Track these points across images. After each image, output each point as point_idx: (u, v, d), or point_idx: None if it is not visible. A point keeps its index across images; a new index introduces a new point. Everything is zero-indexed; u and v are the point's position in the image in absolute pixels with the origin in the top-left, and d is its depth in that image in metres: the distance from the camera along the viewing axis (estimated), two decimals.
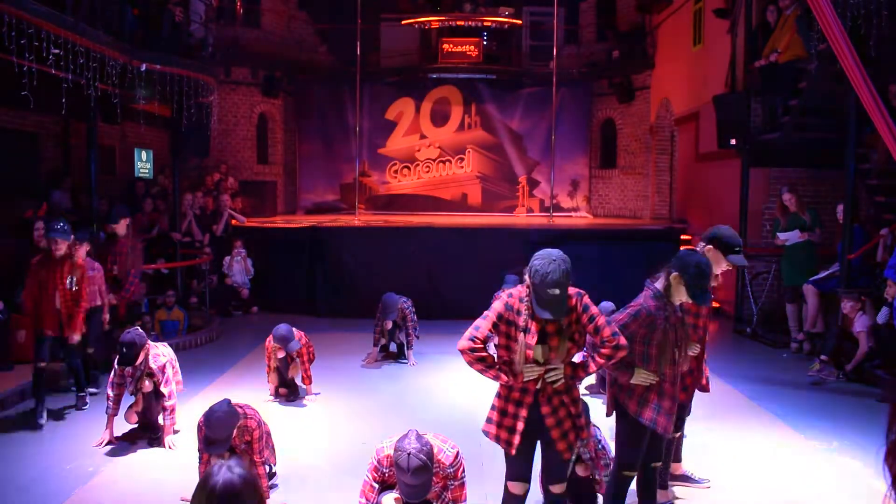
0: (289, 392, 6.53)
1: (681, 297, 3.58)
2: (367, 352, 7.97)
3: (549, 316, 3.15)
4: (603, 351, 3.26)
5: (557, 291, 3.14)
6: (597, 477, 4.05)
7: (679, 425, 4.37)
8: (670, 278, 3.58)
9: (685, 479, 4.64)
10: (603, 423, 4.27)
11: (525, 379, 3.25)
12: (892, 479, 1.56)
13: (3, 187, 9.04)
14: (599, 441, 4.06)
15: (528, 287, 3.28)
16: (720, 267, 4.12)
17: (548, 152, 14.57)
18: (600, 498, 4.10)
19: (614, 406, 3.72)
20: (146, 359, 5.26)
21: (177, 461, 5.03)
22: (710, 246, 4.09)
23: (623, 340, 3.28)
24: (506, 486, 3.44)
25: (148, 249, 9.81)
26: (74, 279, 5.88)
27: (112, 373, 5.35)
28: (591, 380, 6.59)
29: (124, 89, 8.21)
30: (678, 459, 4.65)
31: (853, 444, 5.34)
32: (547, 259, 3.20)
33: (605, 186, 15.88)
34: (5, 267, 7.70)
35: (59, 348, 6.19)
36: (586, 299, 3.31)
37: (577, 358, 3.37)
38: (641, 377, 3.54)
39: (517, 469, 3.39)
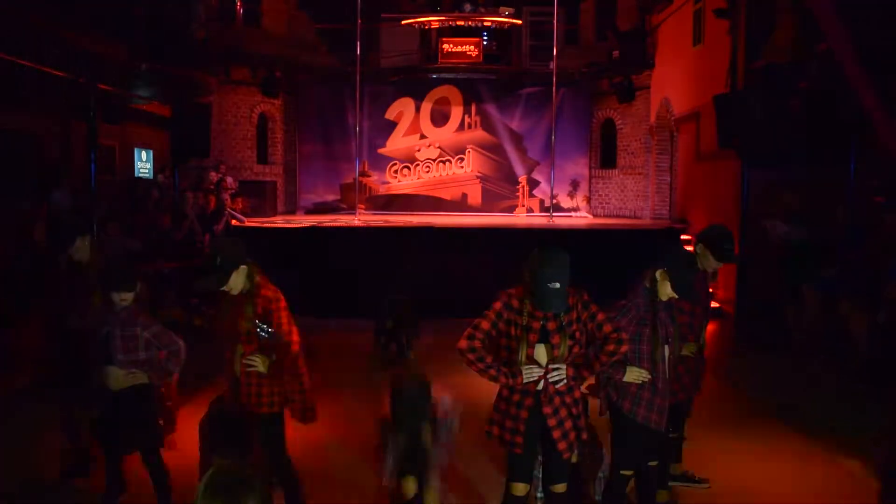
0: None
1: (668, 292, 3.60)
2: (367, 352, 7.95)
3: (551, 309, 3.15)
4: (606, 348, 3.27)
5: (558, 285, 3.15)
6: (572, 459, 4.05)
7: (678, 425, 4.37)
8: (656, 274, 3.61)
9: (685, 479, 4.64)
10: (600, 422, 4.27)
11: (525, 380, 3.25)
12: (885, 480, 1.56)
13: (3, 187, 9.05)
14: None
15: (527, 284, 3.28)
16: (711, 265, 4.16)
17: (548, 152, 14.57)
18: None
19: (608, 405, 3.73)
20: None
21: (177, 461, 5.02)
22: (701, 244, 4.15)
23: (625, 335, 3.30)
24: (507, 487, 3.44)
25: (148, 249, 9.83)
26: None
27: None
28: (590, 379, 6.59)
29: (124, 89, 8.22)
30: (678, 460, 4.65)
31: (853, 445, 5.33)
32: (546, 254, 3.22)
33: (605, 186, 15.88)
34: (5, 267, 7.70)
35: None
36: (586, 297, 3.33)
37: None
38: (634, 375, 3.55)
39: (519, 470, 3.39)
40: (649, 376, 3.56)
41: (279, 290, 3.85)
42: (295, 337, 3.69)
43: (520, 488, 3.40)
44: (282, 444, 3.84)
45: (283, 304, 3.76)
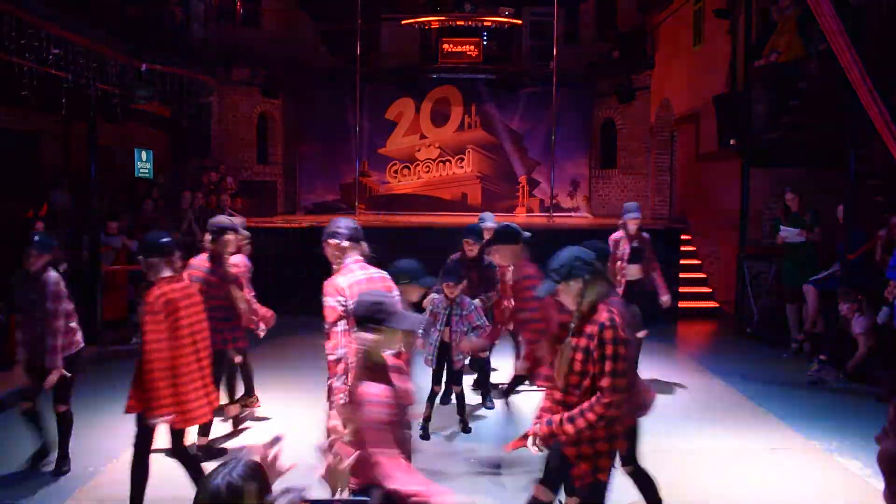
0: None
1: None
2: None
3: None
4: (598, 405, 2.96)
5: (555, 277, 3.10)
6: None
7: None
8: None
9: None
10: None
11: None
12: (886, 479, 1.57)
13: (3, 187, 9.05)
14: None
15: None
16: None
17: (548, 152, 14.57)
18: None
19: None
20: None
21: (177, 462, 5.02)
22: None
23: (614, 398, 2.93)
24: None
25: None
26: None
27: None
28: None
29: (124, 89, 8.22)
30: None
31: (853, 444, 5.33)
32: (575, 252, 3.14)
33: (605, 186, 15.87)
34: (5, 267, 7.69)
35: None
36: (608, 334, 2.94)
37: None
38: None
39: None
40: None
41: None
42: (148, 337, 3.75)
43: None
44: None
45: (149, 307, 3.80)
